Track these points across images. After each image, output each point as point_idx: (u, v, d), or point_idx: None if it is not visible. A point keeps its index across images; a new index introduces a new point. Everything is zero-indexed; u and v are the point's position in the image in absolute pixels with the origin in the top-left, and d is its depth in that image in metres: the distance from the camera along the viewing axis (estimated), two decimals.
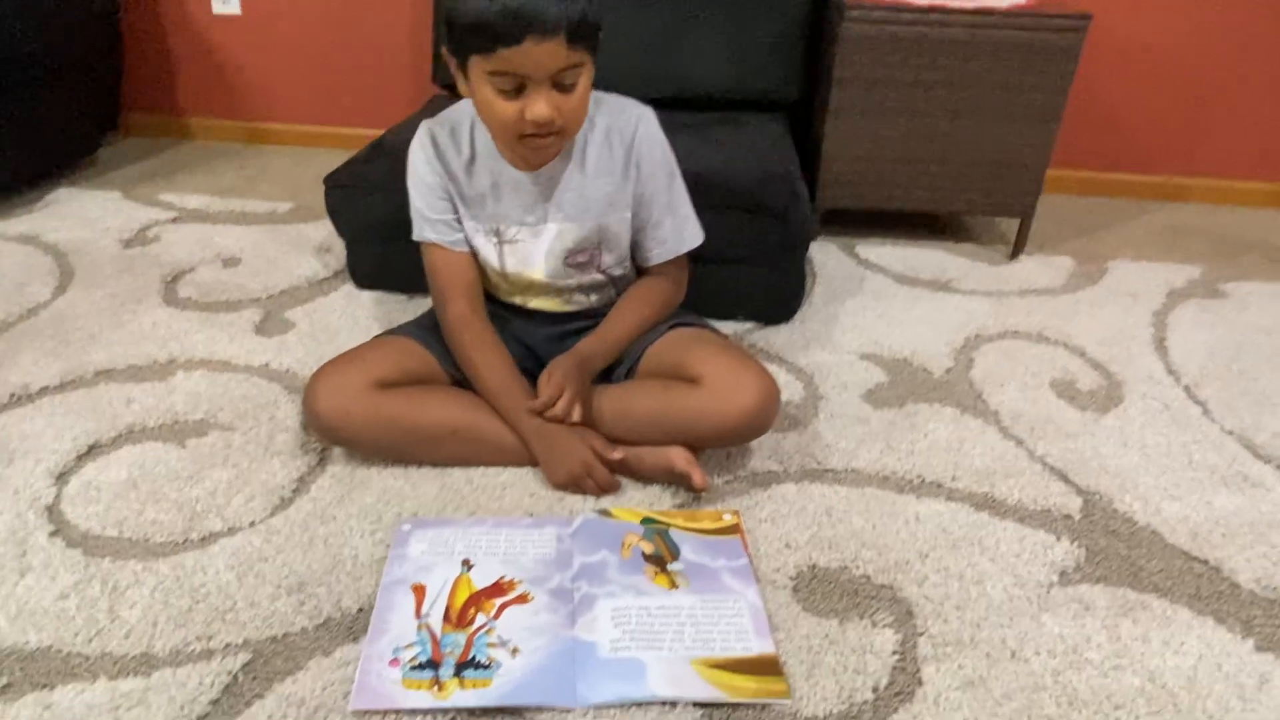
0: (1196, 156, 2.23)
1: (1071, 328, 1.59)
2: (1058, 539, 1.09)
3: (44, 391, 1.32)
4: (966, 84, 1.73)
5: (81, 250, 1.77)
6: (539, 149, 1.06)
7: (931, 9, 1.69)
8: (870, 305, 1.65)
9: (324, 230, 1.88)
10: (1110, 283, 1.78)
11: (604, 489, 1.13)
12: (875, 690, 0.88)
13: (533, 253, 1.18)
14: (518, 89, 0.99)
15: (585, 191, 1.15)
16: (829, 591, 1.00)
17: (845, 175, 1.84)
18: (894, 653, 0.92)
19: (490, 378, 1.15)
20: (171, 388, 1.33)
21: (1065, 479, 1.20)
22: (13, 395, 1.30)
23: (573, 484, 1.13)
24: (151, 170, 2.26)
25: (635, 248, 1.24)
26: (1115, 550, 1.08)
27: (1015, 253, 1.89)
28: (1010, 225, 1.99)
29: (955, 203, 1.87)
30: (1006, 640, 0.94)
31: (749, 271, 1.53)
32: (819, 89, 1.90)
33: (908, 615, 0.97)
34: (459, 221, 1.18)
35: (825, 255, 1.86)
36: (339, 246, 1.75)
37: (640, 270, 1.27)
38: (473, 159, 1.15)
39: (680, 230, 1.22)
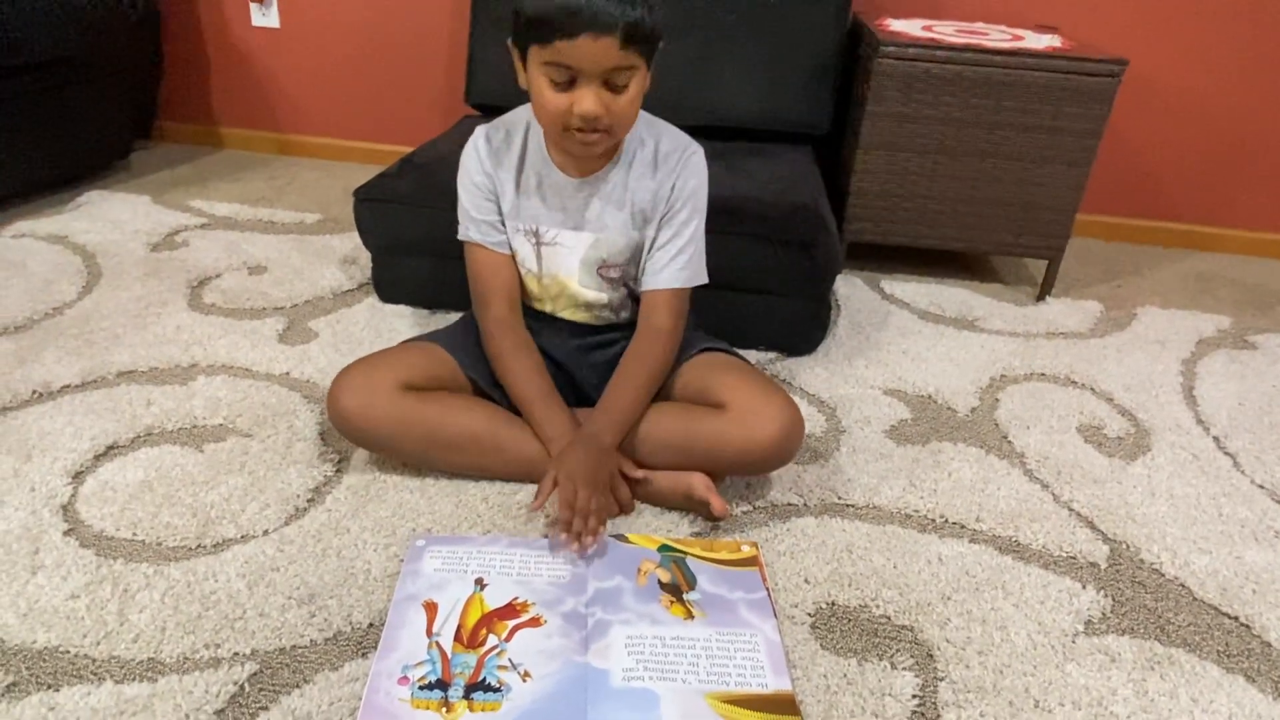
0: (1228, 207, 2.22)
1: (1099, 373, 1.57)
2: (1083, 587, 1.06)
3: (65, 390, 1.32)
4: (999, 124, 1.72)
5: (109, 252, 1.78)
6: (584, 145, 1.06)
7: (966, 48, 1.69)
8: (894, 340, 1.64)
9: (350, 243, 1.89)
10: (1138, 329, 1.76)
11: (622, 509, 1.12)
12: None
13: (568, 258, 1.18)
14: (570, 82, 1.01)
15: (624, 205, 1.16)
16: (848, 630, 0.98)
17: (873, 209, 1.83)
18: (914, 696, 0.90)
19: (523, 385, 1.15)
20: (192, 392, 1.33)
21: (1092, 526, 1.17)
22: (34, 392, 1.30)
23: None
24: (183, 177, 2.28)
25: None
26: (1142, 601, 1.05)
27: (1042, 295, 1.88)
28: (1037, 267, 1.97)
29: (983, 242, 1.86)
30: (1030, 689, 0.91)
31: (774, 301, 1.52)
32: (849, 122, 1.90)
33: (929, 658, 0.95)
34: (503, 223, 1.19)
35: (850, 288, 1.85)
36: (364, 259, 1.76)
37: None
38: (523, 160, 1.17)
39: (675, 266, 1.17)
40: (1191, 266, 2.13)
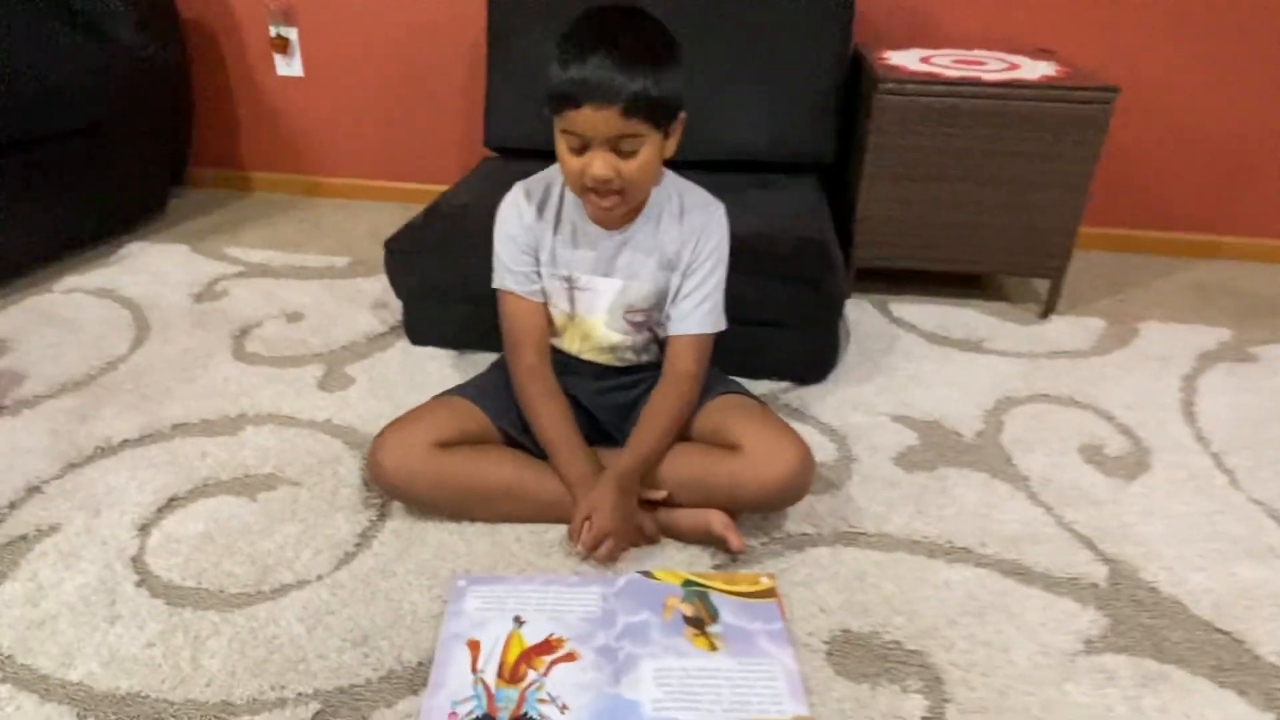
0: (1228, 215, 2.26)
1: (1100, 392, 1.63)
2: (1083, 607, 1.13)
3: (125, 444, 1.42)
4: (997, 152, 1.79)
5: (155, 305, 1.88)
6: (601, 207, 1.17)
7: (963, 81, 1.76)
8: (902, 366, 1.71)
9: (379, 285, 1.98)
10: (1141, 345, 1.81)
11: (648, 539, 1.22)
12: None
13: (597, 303, 1.28)
14: (583, 148, 1.11)
15: (652, 253, 1.25)
16: (861, 656, 1.05)
17: (879, 235, 1.90)
18: (923, 718, 0.97)
19: (550, 430, 1.24)
20: (242, 442, 1.43)
21: (1092, 547, 1.24)
22: (98, 448, 1.40)
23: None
24: (216, 224, 2.39)
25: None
26: (1139, 620, 1.12)
27: (1046, 312, 1.94)
28: (1042, 282, 2.03)
29: (986, 264, 1.93)
30: (1031, 709, 0.98)
31: (784, 334, 1.60)
32: (853, 151, 1.97)
33: (937, 681, 1.02)
34: (538, 274, 1.28)
35: (859, 312, 1.92)
36: (394, 302, 1.84)
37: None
38: (560, 212, 1.27)
39: (700, 313, 1.26)
40: (1194, 276, 2.18)
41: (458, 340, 1.73)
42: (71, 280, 1.98)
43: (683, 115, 1.16)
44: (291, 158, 2.61)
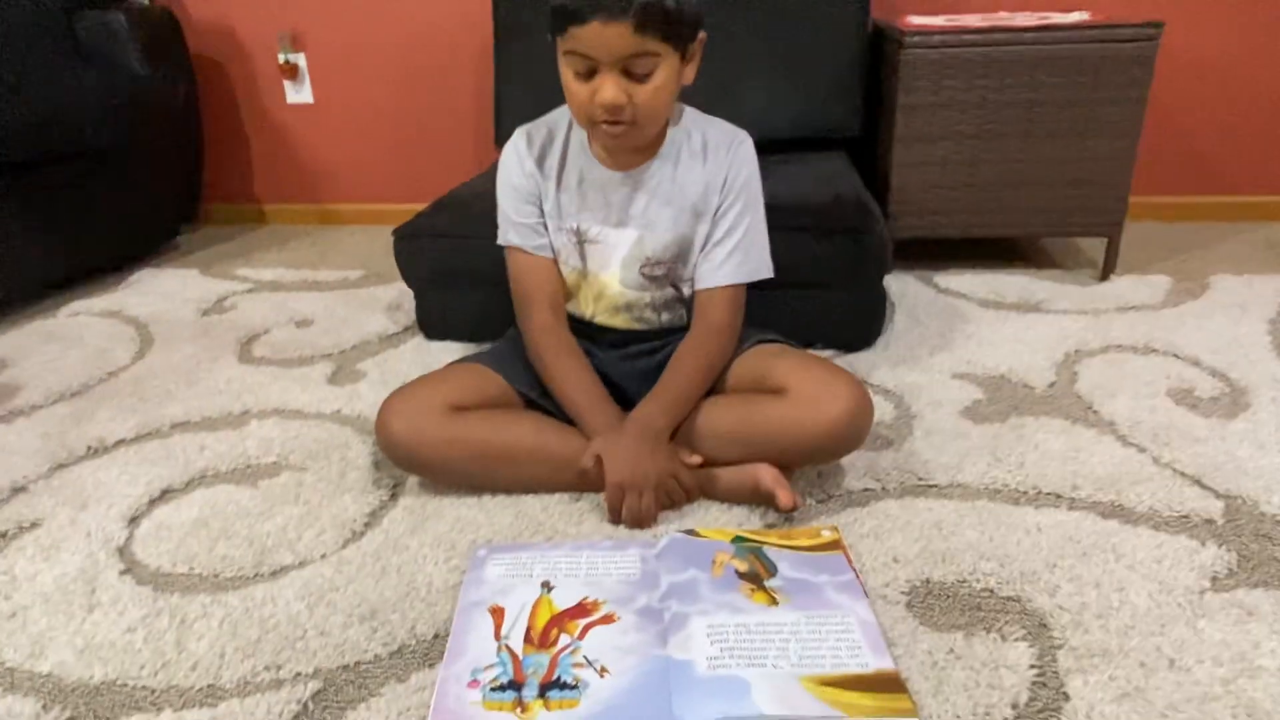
0: None
1: (1179, 339, 1.48)
2: (1202, 544, 0.97)
3: (120, 444, 1.31)
4: (1037, 102, 1.67)
5: (161, 320, 1.80)
6: (613, 136, 1.04)
7: (993, 29, 1.66)
8: (957, 328, 1.57)
9: (394, 291, 1.89)
10: (1215, 296, 1.66)
11: (687, 494, 1.08)
12: (1015, 707, 0.77)
13: (611, 256, 1.15)
14: (590, 71, 0.99)
15: (672, 199, 1.13)
16: (948, 606, 0.90)
17: (917, 204, 1.78)
18: (1031, 666, 0.81)
19: (569, 384, 1.12)
20: (245, 435, 1.31)
21: (1200, 484, 1.08)
22: (89, 448, 1.30)
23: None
24: (229, 251, 2.32)
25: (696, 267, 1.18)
26: (1271, 554, 0.95)
27: (1106, 273, 1.79)
28: (1095, 249, 1.89)
29: (1036, 225, 1.79)
30: (1162, 648, 0.82)
31: (827, 295, 1.47)
32: (882, 120, 1.87)
33: (1041, 627, 0.86)
34: (544, 226, 1.16)
35: (903, 286, 1.79)
36: (408, 304, 1.75)
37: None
38: (565, 156, 1.15)
39: (733, 262, 1.13)
40: (1261, 236, 2.04)
41: (473, 330, 1.61)
42: (77, 305, 1.91)
43: (703, 36, 1.06)
44: (306, 187, 2.56)
